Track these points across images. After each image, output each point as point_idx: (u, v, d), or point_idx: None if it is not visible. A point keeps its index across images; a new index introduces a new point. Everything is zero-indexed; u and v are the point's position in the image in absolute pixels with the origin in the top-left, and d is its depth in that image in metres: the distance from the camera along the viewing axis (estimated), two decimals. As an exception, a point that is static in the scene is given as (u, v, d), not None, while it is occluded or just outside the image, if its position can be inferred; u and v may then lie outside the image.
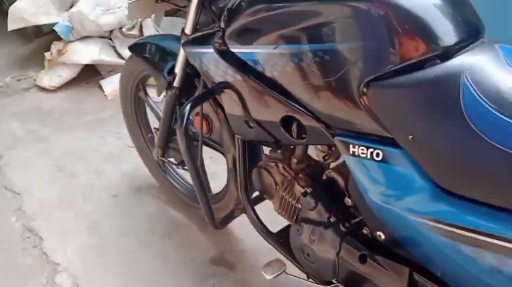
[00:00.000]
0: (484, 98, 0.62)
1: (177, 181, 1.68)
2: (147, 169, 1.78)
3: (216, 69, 0.97)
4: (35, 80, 2.56)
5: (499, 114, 0.61)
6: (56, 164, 1.97)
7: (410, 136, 0.69)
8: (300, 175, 1.08)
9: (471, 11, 0.75)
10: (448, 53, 0.68)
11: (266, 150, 1.20)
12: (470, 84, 0.64)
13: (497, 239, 0.62)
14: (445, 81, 0.66)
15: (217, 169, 1.62)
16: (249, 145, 1.16)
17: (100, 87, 2.53)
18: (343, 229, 0.95)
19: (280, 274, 1.07)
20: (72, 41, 2.48)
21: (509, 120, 0.60)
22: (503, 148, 0.60)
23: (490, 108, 0.62)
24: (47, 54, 2.53)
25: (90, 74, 2.59)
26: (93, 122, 2.26)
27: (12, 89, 2.52)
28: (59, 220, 1.68)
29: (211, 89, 1.01)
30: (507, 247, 0.62)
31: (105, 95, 2.47)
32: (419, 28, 0.70)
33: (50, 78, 2.51)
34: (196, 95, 1.13)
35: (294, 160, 1.11)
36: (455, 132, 0.65)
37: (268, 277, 1.06)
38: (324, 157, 1.00)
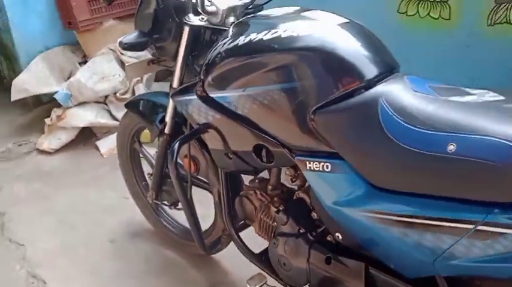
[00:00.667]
0: (396, 114, 0.84)
1: (169, 222, 1.85)
2: (142, 216, 1.95)
3: (198, 112, 1.19)
4: (35, 144, 2.75)
5: (407, 125, 0.82)
6: (58, 218, 2.11)
7: (347, 149, 0.91)
8: (274, 199, 1.27)
9: (387, 52, 0.99)
10: (370, 84, 0.91)
11: (246, 181, 1.40)
12: (386, 105, 0.86)
13: (421, 219, 0.81)
14: (368, 104, 0.88)
15: (206, 212, 1.78)
16: (231, 178, 1.36)
17: (96, 147, 2.73)
18: (311, 238, 1.12)
19: (262, 285, 1.22)
20: (70, 107, 2.72)
21: (414, 128, 0.81)
22: (412, 149, 0.80)
23: (400, 121, 0.83)
24: (47, 120, 2.75)
25: (86, 136, 2.81)
26: (91, 178, 2.44)
27: (14, 154, 2.71)
28: (61, 266, 1.81)
29: (196, 129, 1.23)
30: (427, 224, 0.80)
31: (101, 154, 2.66)
32: (348, 68, 0.93)
33: (50, 141, 2.71)
34: (183, 135, 1.34)
35: (269, 187, 1.30)
36: (378, 142, 0.85)
37: (251, 289, 1.22)
38: (291, 179, 1.19)
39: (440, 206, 0.77)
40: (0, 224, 2.09)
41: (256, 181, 1.34)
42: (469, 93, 0.84)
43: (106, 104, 2.79)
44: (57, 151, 2.71)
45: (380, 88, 0.90)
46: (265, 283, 1.23)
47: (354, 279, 1.04)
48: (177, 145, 1.21)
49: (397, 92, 0.88)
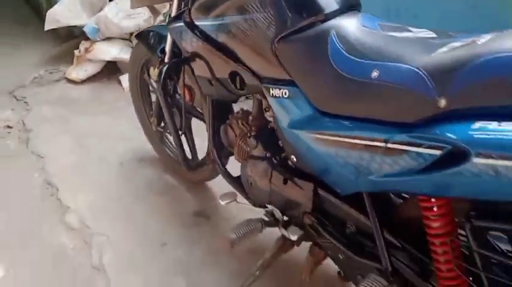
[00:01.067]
0: (340, 45, 0.92)
1: (171, 150, 2.02)
2: (150, 145, 2.12)
3: (186, 39, 1.30)
4: (64, 73, 2.98)
5: (346, 54, 0.91)
6: (76, 139, 2.34)
7: (300, 76, 1.00)
8: (253, 128, 1.39)
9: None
10: (327, 18, 0.99)
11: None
12: (335, 37, 0.94)
13: (348, 138, 0.91)
14: (321, 36, 0.97)
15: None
16: (220, 109, 1.49)
17: (119, 82, 2.92)
18: (274, 161, 1.25)
19: (231, 201, 1.37)
20: (97, 41, 2.89)
21: (350, 57, 0.89)
22: (346, 75, 0.89)
23: (343, 51, 0.91)
24: (76, 52, 2.95)
25: (111, 70, 3.00)
26: (110, 109, 2.64)
27: (45, 80, 2.94)
28: (73, 179, 2.03)
29: (185, 57, 1.35)
30: (352, 143, 0.90)
31: (123, 89, 2.85)
32: (310, 2, 1.01)
33: (78, 72, 2.92)
34: (173, 60, 1.46)
35: (250, 118, 1.42)
36: (324, 70, 0.94)
37: (222, 203, 1.37)
38: (265, 109, 1.31)
39: (363, 127, 0.87)
40: (26, 139, 2.33)
41: (240, 112, 1.46)
42: (408, 31, 0.91)
43: (131, 41, 2.94)
44: (83, 81, 2.93)
45: (334, 22, 0.98)
46: (235, 199, 1.37)
47: (304, 198, 1.17)
48: (164, 68, 1.33)
49: (347, 26, 0.96)
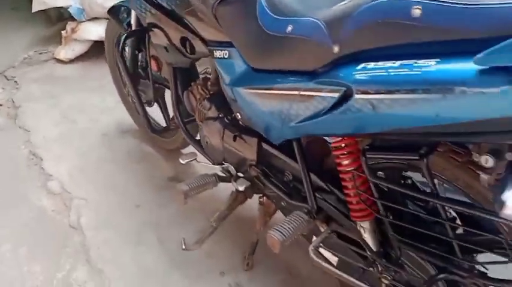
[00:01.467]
0: (267, 5, 1.01)
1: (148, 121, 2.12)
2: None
3: (143, 10, 1.40)
4: (53, 53, 3.07)
5: (272, 14, 0.99)
6: (62, 114, 2.45)
7: (236, 37, 1.10)
8: (211, 93, 1.49)
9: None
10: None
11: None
12: (264, 1, 1.03)
13: (273, 90, 1.00)
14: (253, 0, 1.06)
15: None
16: (184, 75, 1.58)
17: (106, 60, 3.01)
18: (226, 121, 1.35)
19: (192, 160, 1.48)
20: (83, 21, 2.98)
21: (272, 15, 0.98)
22: (269, 32, 0.98)
23: (268, 11, 1.00)
24: (63, 32, 3.04)
25: (99, 49, 3.07)
26: (96, 86, 2.74)
27: (34, 61, 3.04)
28: (56, 149, 2.15)
29: (144, 27, 1.44)
30: (276, 94, 0.99)
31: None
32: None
33: (66, 52, 3.02)
34: (131, 30, 1.56)
35: (209, 83, 1.51)
36: (254, 30, 1.03)
37: (183, 162, 1.48)
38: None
39: (283, 79, 0.96)
40: (14, 114, 2.45)
41: (201, 78, 1.55)
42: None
43: (116, 21, 3.02)
44: (71, 60, 3.02)
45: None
46: (195, 159, 1.48)
47: (250, 152, 1.27)
48: (122, 37, 1.43)
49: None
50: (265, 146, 1.24)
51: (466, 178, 0.79)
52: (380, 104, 0.73)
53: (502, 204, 0.57)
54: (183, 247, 1.39)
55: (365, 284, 0.91)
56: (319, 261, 0.98)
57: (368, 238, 0.94)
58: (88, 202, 1.82)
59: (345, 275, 0.93)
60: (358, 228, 0.95)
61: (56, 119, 2.40)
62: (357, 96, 0.76)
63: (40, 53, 3.12)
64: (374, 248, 0.94)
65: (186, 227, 1.67)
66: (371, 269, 0.97)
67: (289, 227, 1.00)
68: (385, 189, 0.90)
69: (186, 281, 1.50)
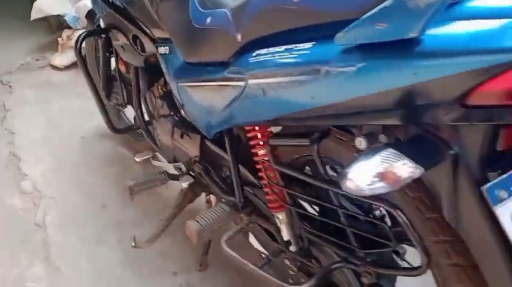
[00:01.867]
0: (198, 2, 1.03)
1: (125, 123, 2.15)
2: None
3: (101, 10, 1.44)
4: (49, 60, 3.16)
5: (199, 8, 1.01)
6: (49, 118, 2.50)
7: (173, 33, 1.11)
8: (164, 91, 1.50)
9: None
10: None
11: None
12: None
13: (203, 82, 1.00)
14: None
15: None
16: (147, 75, 1.60)
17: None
18: (176, 118, 1.36)
19: (146, 158, 1.49)
20: (78, 29, 3.07)
21: (201, 10, 0.99)
22: (196, 26, 0.99)
23: (198, 6, 1.02)
24: (60, 40, 3.13)
25: (93, 57, 3.16)
26: (87, 92, 2.78)
27: (31, 67, 3.13)
28: (36, 151, 2.19)
29: (102, 27, 1.48)
30: (204, 86, 1.00)
31: (102, 73, 3.00)
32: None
33: (61, 59, 3.10)
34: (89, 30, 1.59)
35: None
36: (185, 25, 1.04)
37: (138, 160, 1.49)
38: (172, 72, 1.42)
39: (206, 71, 0.97)
40: (3, 117, 2.52)
41: (162, 80, 1.57)
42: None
43: (110, 29, 3.10)
44: (67, 67, 3.09)
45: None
46: (150, 157, 1.49)
47: (194, 149, 1.27)
48: (81, 37, 1.47)
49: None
50: (207, 142, 1.24)
51: (349, 161, 0.77)
52: (268, 88, 0.73)
53: (343, 177, 0.56)
54: (133, 244, 1.39)
55: (270, 274, 0.89)
56: (229, 251, 0.96)
57: (282, 229, 0.93)
58: (56, 201, 1.85)
59: (251, 266, 0.92)
60: (276, 219, 0.94)
61: (42, 123, 2.46)
62: (250, 82, 0.76)
63: (37, 60, 3.21)
64: (284, 239, 0.93)
65: (147, 227, 1.67)
66: (277, 259, 0.96)
67: (208, 218, 1.00)
68: (293, 179, 0.89)
69: (138, 280, 1.49)
